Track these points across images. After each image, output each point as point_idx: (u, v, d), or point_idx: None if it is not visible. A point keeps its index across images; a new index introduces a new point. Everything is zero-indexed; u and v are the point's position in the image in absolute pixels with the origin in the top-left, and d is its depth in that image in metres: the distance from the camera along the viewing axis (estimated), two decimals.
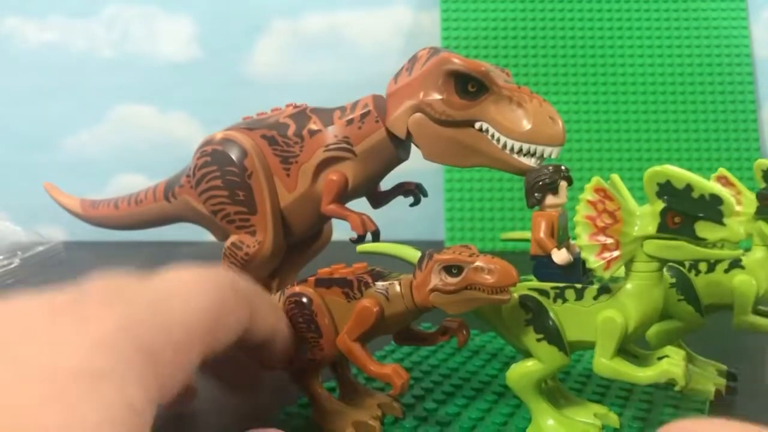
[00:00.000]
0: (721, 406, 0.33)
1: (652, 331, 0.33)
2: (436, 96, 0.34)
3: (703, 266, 0.32)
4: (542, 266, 0.29)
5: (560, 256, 0.28)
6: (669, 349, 0.28)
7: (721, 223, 0.24)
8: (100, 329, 0.20)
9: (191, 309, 0.23)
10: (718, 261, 0.32)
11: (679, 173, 0.25)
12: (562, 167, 0.30)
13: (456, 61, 0.34)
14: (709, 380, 0.34)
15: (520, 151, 0.33)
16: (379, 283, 0.29)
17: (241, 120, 0.43)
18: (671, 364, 0.26)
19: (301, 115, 0.40)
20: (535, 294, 0.29)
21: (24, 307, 0.21)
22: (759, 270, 0.31)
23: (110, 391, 0.18)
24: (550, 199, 0.29)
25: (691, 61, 0.87)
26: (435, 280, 0.27)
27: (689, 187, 0.24)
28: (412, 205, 0.43)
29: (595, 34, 0.87)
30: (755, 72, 0.88)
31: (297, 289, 0.31)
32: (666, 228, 0.25)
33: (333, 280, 0.30)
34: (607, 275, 0.27)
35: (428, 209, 0.49)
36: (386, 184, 0.42)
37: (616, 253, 0.26)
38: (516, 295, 0.29)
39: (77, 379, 0.18)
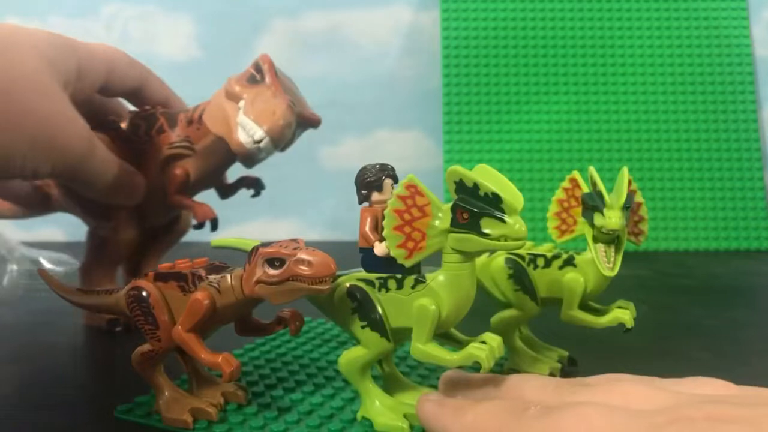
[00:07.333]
0: None
1: (494, 318, 0.36)
2: (237, 79, 0.44)
3: (540, 261, 0.35)
4: (368, 258, 0.31)
5: (380, 248, 0.30)
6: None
7: (502, 221, 0.26)
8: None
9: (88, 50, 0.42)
10: (554, 257, 0.35)
11: (468, 173, 0.27)
12: (388, 166, 0.31)
13: (263, 56, 0.44)
14: (545, 364, 0.36)
15: (242, 125, 0.42)
16: (212, 276, 0.31)
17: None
18: (476, 348, 0.28)
19: (152, 116, 0.47)
20: (362, 284, 0.30)
21: None
22: (588, 269, 0.34)
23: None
24: (375, 196, 0.31)
25: (692, 61, 0.87)
26: (259, 273, 0.29)
27: (476, 186, 0.27)
28: (253, 196, 0.50)
29: (595, 34, 0.87)
30: (755, 72, 0.88)
31: (137, 283, 0.32)
32: (457, 223, 0.27)
33: (170, 274, 0.32)
34: (408, 263, 0.29)
35: None
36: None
37: (421, 244, 0.28)
38: (345, 285, 0.31)
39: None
